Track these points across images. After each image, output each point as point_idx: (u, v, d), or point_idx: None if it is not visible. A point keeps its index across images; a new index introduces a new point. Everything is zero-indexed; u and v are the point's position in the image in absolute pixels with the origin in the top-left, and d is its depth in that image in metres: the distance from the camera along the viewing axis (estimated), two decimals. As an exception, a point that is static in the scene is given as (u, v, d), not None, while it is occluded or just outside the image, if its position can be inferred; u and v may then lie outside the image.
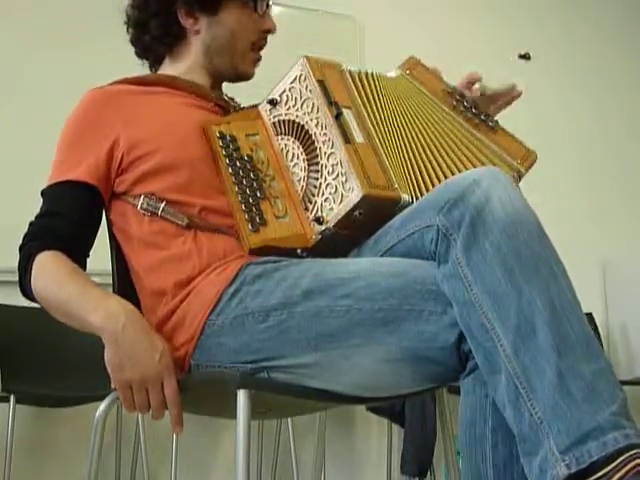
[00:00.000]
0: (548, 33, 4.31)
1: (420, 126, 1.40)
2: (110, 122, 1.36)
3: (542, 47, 4.25)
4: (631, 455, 0.89)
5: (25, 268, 1.30)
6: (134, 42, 1.52)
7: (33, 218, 1.36)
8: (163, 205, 1.33)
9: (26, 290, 1.32)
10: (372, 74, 1.43)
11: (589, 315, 3.58)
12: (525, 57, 4.25)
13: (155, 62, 1.54)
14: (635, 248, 4.11)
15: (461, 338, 1.07)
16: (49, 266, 1.29)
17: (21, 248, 1.33)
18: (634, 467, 0.89)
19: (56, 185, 1.35)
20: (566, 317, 0.98)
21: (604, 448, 0.90)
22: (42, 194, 1.37)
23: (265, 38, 1.52)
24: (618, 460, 0.89)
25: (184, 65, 1.50)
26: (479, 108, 1.46)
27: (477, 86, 1.45)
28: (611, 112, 4.36)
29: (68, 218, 1.33)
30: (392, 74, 1.49)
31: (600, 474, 0.90)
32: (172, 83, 1.46)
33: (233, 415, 1.16)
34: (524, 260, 1.01)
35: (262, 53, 1.53)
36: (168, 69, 1.51)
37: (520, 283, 1.00)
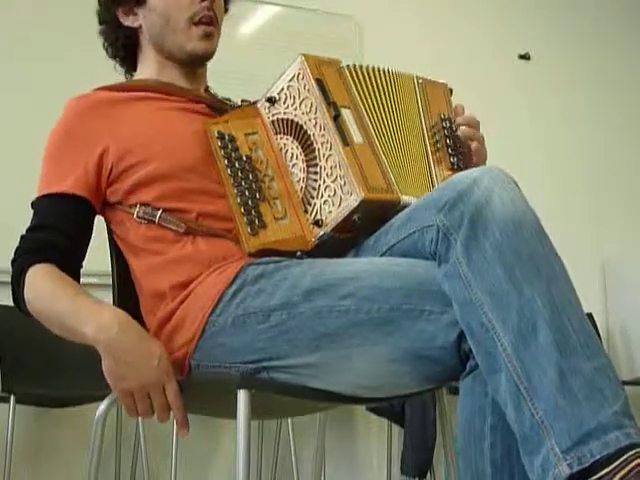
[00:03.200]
0: (548, 33, 4.31)
1: (404, 127, 1.38)
2: (97, 131, 1.35)
3: (542, 47, 4.26)
4: (633, 454, 0.89)
5: (18, 282, 1.30)
6: (110, 57, 1.53)
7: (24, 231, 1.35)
8: (160, 213, 1.32)
9: (20, 304, 1.32)
10: (373, 68, 1.40)
11: (589, 315, 3.58)
12: (525, 57, 4.25)
13: (128, 71, 1.53)
14: (635, 248, 4.11)
15: (461, 338, 1.07)
16: (41, 279, 1.29)
17: (13, 262, 1.32)
18: (636, 466, 0.89)
19: (45, 197, 1.34)
20: (566, 316, 0.98)
21: (606, 447, 0.90)
22: (32, 205, 1.36)
23: (207, 8, 1.42)
24: (620, 459, 0.89)
25: (149, 67, 1.48)
26: (458, 146, 1.41)
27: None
28: (611, 112, 4.36)
29: (59, 231, 1.32)
30: (408, 74, 1.46)
31: (602, 473, 0.90)
32: (157, 87, 1.45)
33: (233, 415, 1.16)
34: (524, 259, 1.01)
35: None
36: (139, 75, 1.50)
37: (520, 282, 0.99)
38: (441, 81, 1.51)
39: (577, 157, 4.21)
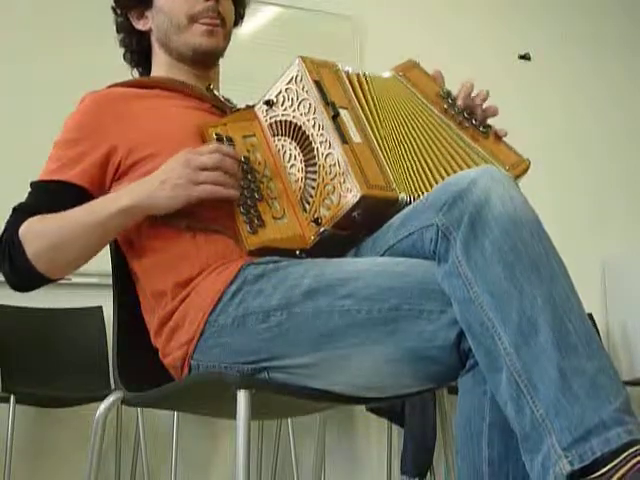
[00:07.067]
0: (548, 33, 4.32)
1: (412, 127, 1.39)
2: (107, 127, 1.36)
3: (542, 47, 4.26)
4: (635, 451, 0.89)
5: (12, 244, 1.28)
6: (130, 65, 1.56)
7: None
8: None
9: (16, 271, 1.29)
10: (367, 74, 1.42)
11: (589, 315, 3.58)
12: (525, 57, 4.26)
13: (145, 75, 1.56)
14: (635, 248, 4.12)
15: (461, 337, 1.07)
16: (37, 224, 1.28)
17: (2, 236, 1.31)
18: (637, 463, 0.88)
19: (47, 182, 1.35)
20: (567, 314, 0.98)
21: (607, 444, 0.90)
22: (31, 185, 1.36)
23: (211, 8, 1.44)
24: (622, 456, 0.89)
25: (161, 68, 1.50)
26: (473, 114, 1.44)
27: (475, 93, 1.44)
28: (611, 112, 4.36)
29: (52, 211, 1.31)
30: (386, 74, 1.48)
31: (603, 470, 0.89)
32: (167, 85, 1.46)
33: (233, 415, 1.16)
34: (524, 258, 1.01)
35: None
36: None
37: (521, 281, 0.99)
38: (406, 60, 1.52)
39: (577, 157, 4.22)
